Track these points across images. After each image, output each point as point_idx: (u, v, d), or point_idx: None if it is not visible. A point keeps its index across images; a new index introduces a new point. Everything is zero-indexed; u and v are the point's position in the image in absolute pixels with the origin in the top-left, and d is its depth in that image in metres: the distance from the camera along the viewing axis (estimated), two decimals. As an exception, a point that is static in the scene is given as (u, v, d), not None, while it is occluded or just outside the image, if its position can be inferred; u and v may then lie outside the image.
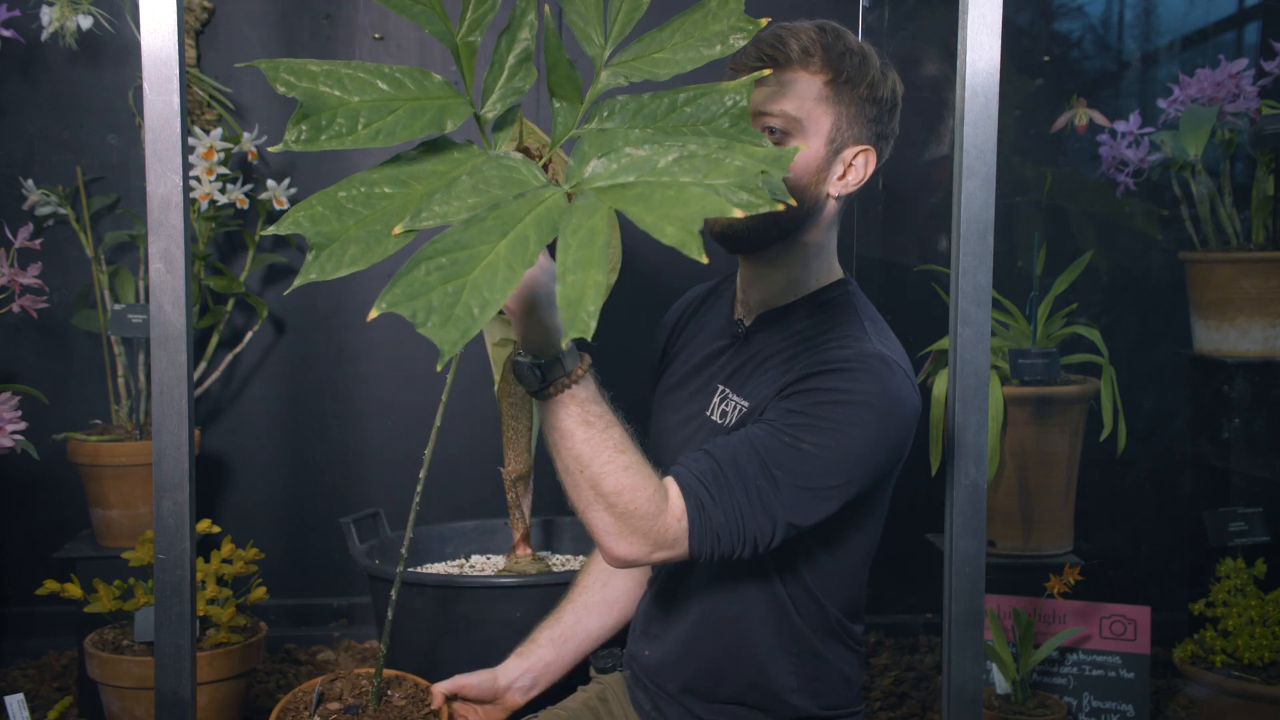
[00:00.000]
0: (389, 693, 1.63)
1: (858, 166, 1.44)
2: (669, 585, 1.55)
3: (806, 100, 1.41)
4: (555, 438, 1.27)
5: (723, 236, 1.46)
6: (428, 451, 1.59)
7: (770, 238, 1.45)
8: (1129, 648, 2.29)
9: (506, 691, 1.63)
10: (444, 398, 1.60)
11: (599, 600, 1.70)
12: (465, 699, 1.62)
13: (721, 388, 1.50)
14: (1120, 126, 2.57)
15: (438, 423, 1.62)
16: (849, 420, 1.33)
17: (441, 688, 1.59)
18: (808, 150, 1.41)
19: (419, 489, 1.61)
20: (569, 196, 1.02)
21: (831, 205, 1.47)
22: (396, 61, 2.83)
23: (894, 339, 1.46)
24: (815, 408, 1.34)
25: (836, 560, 1.47)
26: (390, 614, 1.62)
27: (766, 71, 1.29)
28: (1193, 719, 2.41)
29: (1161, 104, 2.57)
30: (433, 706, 1.57)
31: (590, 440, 1.25)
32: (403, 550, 1.65)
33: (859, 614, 1.55)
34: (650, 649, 1.57)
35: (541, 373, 1.24)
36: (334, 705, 1.57)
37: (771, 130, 1.41)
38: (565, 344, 1.19)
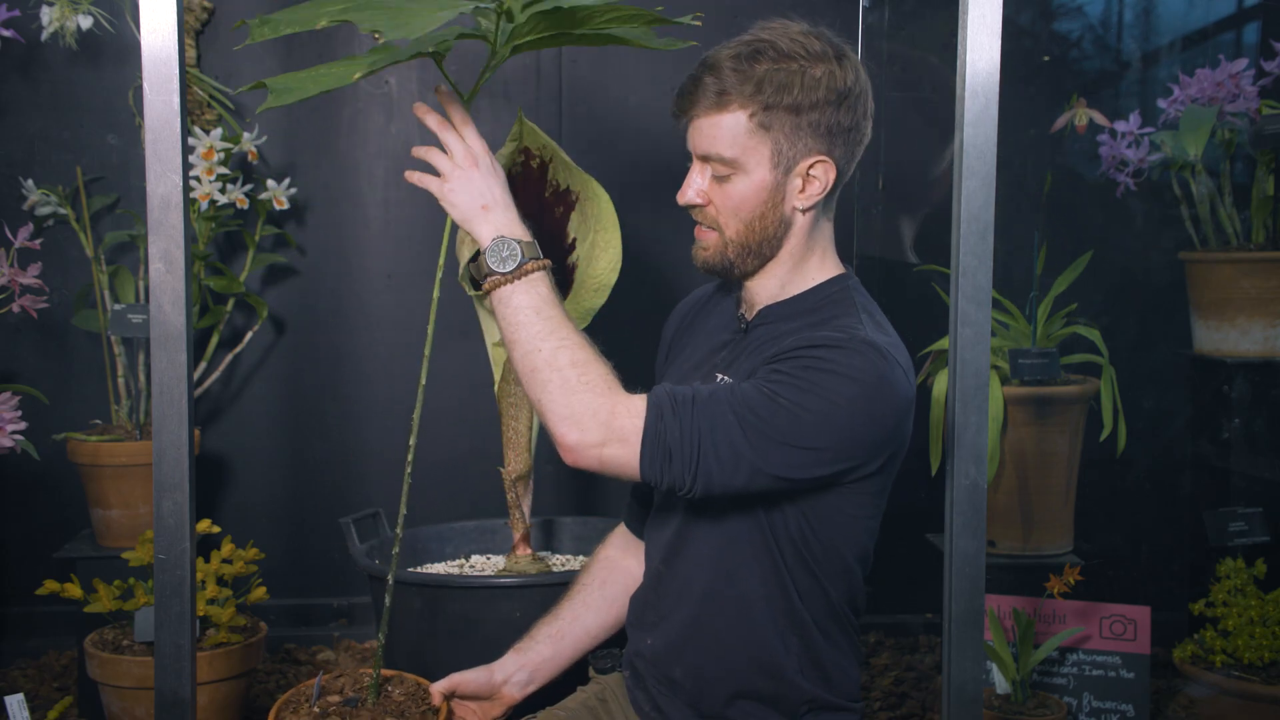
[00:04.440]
0: (388, 689, 1.65)
1: (816, 177, 1.46)
2: (669, 569, 1.55)
3: (739, 137, 1.43)
4: (520, 319, 1.39)
5: (708, 271, 1.52)
6: (411, 440, 1.61)
7: (750, 267, 1.50)
8: (1129, 648, 2.29)
9: (503, 686, 1.63)
10: (422, 380, 1.63)
11: (598, 598, 1.71)
12: (462, 696, 1.63)
13: (721, 376, 1.52)
14: (1120, 126, 2.57)
15: (417, 413, 1.64)
16: (830, 388, 1.34)
17: (439, 687, 1.61)
18: (753, 180, 1.44)
19: (405, 489, 1.63)
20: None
21: (802, 218, 1.49)
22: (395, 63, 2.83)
23: (893, 332, 1.48)
24: (799, 369, 1.36)
25: (834, 545, 1.47)
26: (384, 615, 1.63)
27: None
28: (1193, 719, 2.41)
29: (1161, 104, 2.57)
30: (433, 703, 1.58)
31: (553, 318, 1.39)
32: (394, 549, 1.67)
33: (859, 608, 1.55)
34: (652, 637, 1.57)
35: (522, 251, 1.41)
36: (334, 698, 1.61)
37: (720, 175, 1.45)
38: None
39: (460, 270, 2.00)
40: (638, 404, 1.34)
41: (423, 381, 1.62)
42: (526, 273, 1.40)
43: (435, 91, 1.53)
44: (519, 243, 1.41)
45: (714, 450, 1.33)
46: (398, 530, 1.65)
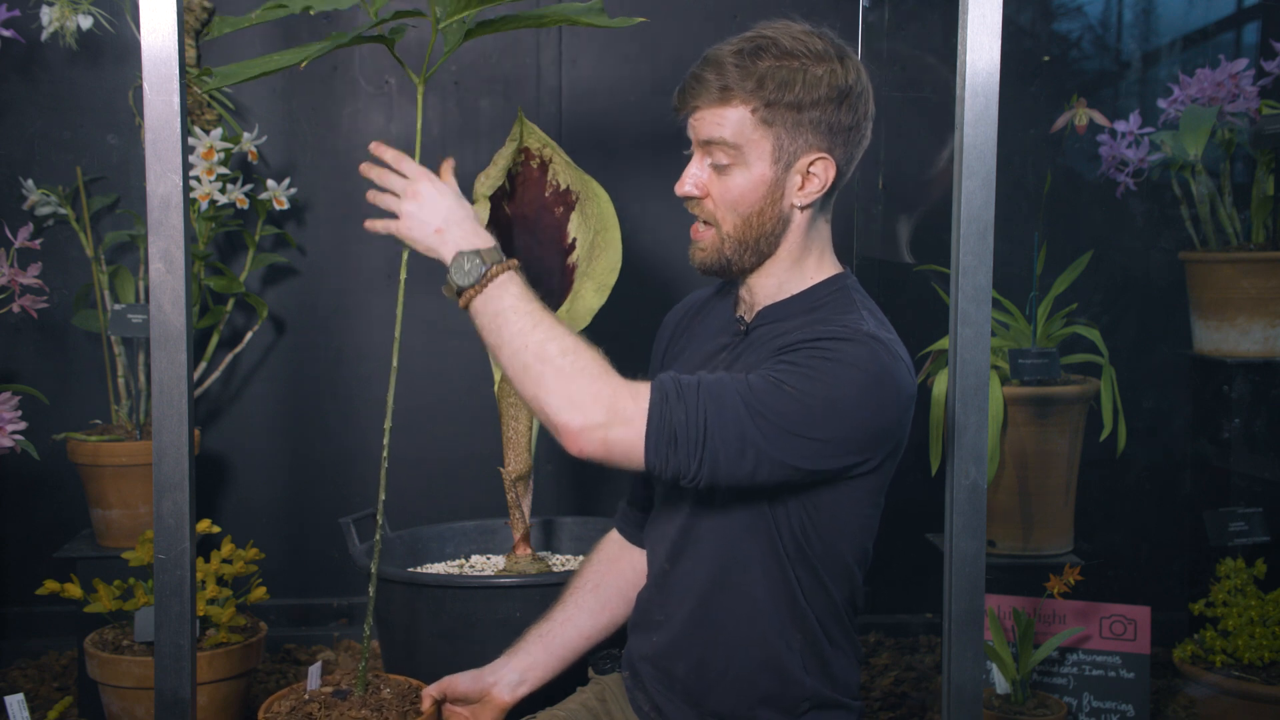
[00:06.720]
0: (380, 687, 1.67)
1: (816, 174, 1.46)
2: (675, 566, 1.55)
3: (743, 129, 1.44)
4: (500, 323, 1.37)
5: (705, 270, 1.53)
6: (386, 424, 1.62)
7: (748, 264, 1.50)
8: (1129, 648, 2.29)
9: (493, 688, 1.64)
10: (394, 363, 1.63)
11: (591, 600, 1.71)
12: (455, 699, 1.64)
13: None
14: (1120, 126, 2.57)
15: (390, 396, 1.64)
16: (836, 376, 1.34)
17: (431, 690, 1.63)
18: (753, 174, 1.45)
19: (383, 473, 1.63)
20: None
21: (800, 215, 1.49)
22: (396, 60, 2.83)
23: (893, 330, 1.49)
24: (805, 359, 1.36)
25: (835, 542, 1.47)
26: (369, 608, 1.65)
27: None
28: (1193, 719, 2.41)
29: (1161, 104, 2.57)
30: (422, 708, 1.60)
31: (533, 313, 1.37)
32: (375, 538, 1.69)
33: (858, 607, 1.55)
34: (657, 635, 1.57)
35: (483, 259, 1.40)
36: (326, 690, 1.67)
37: (719, 166, 1.46)
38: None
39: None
40: (640, 387, 1.33)
41: (394, 364, 1.63)
42: (493, 278, 1.39)
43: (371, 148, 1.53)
44: (479, 252, 1.40)
45: (721, 435, 1.32)
46: (378, 518, 1.66)
